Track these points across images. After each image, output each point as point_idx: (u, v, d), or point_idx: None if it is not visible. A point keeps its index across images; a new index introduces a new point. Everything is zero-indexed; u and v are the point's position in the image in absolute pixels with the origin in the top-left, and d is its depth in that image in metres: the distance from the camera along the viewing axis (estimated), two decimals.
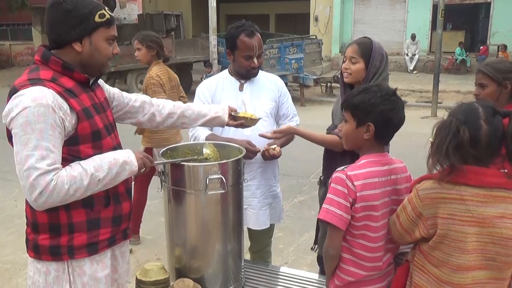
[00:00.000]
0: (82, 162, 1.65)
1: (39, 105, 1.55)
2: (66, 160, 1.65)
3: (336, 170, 1.78)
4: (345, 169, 1.74)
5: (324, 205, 1.72)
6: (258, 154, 2.56)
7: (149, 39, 3.79)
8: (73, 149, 1.66)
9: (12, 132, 1.59)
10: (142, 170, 1.84)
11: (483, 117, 1.49)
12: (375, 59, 2.30)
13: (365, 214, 1.73)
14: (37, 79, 1.62)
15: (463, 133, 1.47)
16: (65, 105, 1.62)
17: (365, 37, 2.43)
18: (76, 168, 1.62)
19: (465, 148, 1.48)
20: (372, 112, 1.74)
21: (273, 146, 2.53)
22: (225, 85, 2.68)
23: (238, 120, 2.31)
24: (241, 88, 2.67)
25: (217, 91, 2.67)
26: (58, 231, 1.71)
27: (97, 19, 1.67)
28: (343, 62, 2.42)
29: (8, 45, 22.06)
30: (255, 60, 2.58)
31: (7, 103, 1.61)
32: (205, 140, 2.55)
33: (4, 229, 4.48)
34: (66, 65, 1.68)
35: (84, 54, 1.70)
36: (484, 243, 1.53)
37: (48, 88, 1.60)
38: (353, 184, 1.70)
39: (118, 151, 1.78)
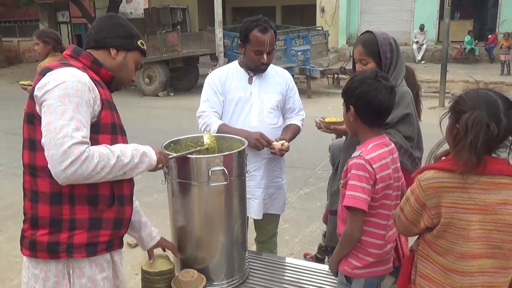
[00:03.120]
0: (107, 145, 1.68)
1: (78, 81, 1.60)
2: None
3: (352, 157, 1.84)
4: (361, 154, 1.80)
5: (348, 192, 1.77)
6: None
7: (45, 35, 4.35)
8: (93, 137, 1.66)
9: (45, 103, 1.58)
10: (160, 165, 1.85)
11: (503, 110, 1.49)
12: (385, 51, 2.23)
13: (383, 194, 1.82)
14: (70, 64, 1.70)
15: (493, 129, 1.46)
16: (96, 91, 1.68)
17: (368, 31, 2.33)
18: (103, 148, 1.64)
19: (491, 142, 1.48)
20: (352, 96, 1.84)
21: (281, 142, 2.54)
22: (235, 76, 2.71)
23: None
24: (250, 81, 2.69)
25: (227, 81, 2.69)
26: (59, 226, 1.67)
27: (139, 43, 1.89)
28: (354, 61, 2.36)
29: (16, 41, 22.23)
30: (265, 56, 2.60)
31: (36, 81, 1.64)
32: (217, 129, 2.57)
33: (14, 224, 4.54)
34: (96, 60, 1.78)
35: (115, 62, 1.83)
36: (488, 231, 1.53)
37: (82, 71, 1.68)
38: (372, 167, 1.77)
39: (136, 144, 1.81)
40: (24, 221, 1.76)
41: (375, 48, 2.23)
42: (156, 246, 2.12)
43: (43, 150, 1.58)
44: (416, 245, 1.74)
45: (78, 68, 1.69)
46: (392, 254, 1.96)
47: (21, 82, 4.41)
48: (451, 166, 1.55)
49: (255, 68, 2.66)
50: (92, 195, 1.70)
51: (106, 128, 1.72)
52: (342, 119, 2.34)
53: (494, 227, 1.52)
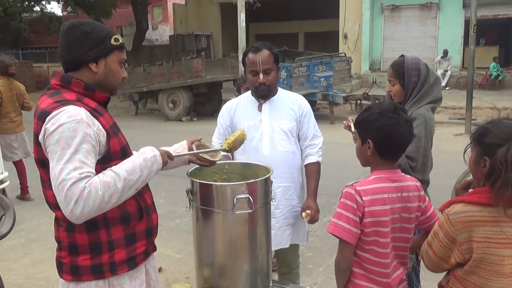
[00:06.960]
0: (113, 167, 1.66)
1: (74, 121, 1.59)
2: None
3: (346, 185, 1.80)
4: (354, 184, 1.77)
5: (333, 219, 1.75)
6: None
7: None
8: (106, 167, 1.67)
9: (48, 149, 1.61)
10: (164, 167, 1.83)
11: None
12: (410, 75, 2.38)
13: (374, 230, 1.75)
14: (65, 100, 1.66)
15: None
16: (96, 123, 1.67)
17: (402, 55, 2.50)
18: (108, 174, 1.62)
19: None
20: (370, 128, 1.80)
21: (308, 212, 2.53)
22: (245, 105, 2.71)
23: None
24: (259, 108, 2.67)
25: (237, 112, 2.71)
26: (99, 250, 1.73)
27: (112, 42, 1.76)
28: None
29: (46, 67, 22.94)
30: (260, 75, 2.54)
31: (37, 126, 1.65)
32: None
33: (39, 246, 4.60)
34: (88, 85, 1.74)
35: (99, 75, 1.76)
36: None
37: (80, 106, 1.65)
38: (361, 199, 1.72)
39: (144, 150, 1.78)
40: (60, 249, 1.81)
41: (401, 71, 2.41)
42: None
43: None
44: (446, 281, 1.69)
45: (73, 100, 1.67)
46: None
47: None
48: (480, 199, 1.50)
49: (256, 91, 2.62)
50: (123, 215, 1.75)
51: (116, 155, 1.74)
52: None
53: None
